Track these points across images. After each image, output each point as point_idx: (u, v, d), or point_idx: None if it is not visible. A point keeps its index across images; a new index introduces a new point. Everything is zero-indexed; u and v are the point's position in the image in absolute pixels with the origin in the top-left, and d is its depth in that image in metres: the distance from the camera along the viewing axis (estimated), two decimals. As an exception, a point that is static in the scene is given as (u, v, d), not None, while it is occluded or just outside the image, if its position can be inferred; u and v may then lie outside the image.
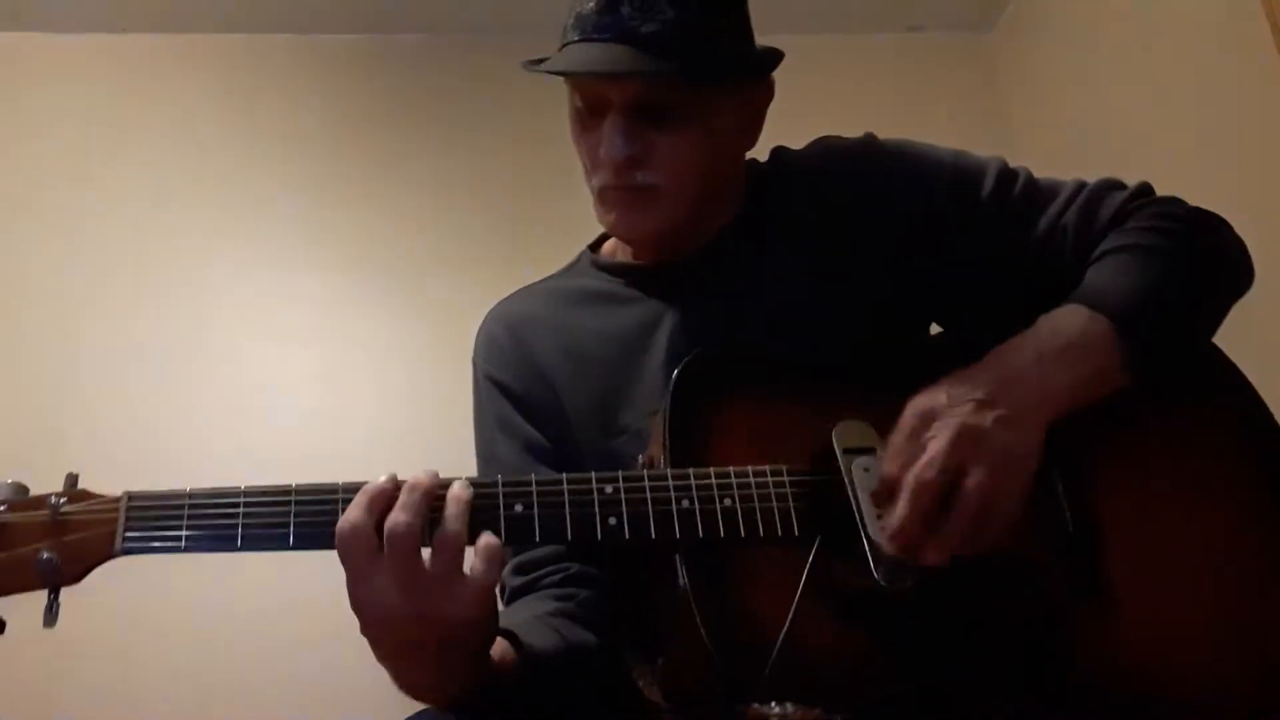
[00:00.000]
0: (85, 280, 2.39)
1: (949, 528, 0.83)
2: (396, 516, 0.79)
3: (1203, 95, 2.08)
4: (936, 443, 0.84)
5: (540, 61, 1.07)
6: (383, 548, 0.79)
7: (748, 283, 1.11)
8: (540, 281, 1.25)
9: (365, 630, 0.82)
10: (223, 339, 2.39)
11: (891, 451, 0.87)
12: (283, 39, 2.64)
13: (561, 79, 1.08)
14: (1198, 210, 1.06)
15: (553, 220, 2.55)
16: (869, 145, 1.15)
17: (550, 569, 1.08)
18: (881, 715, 0.82)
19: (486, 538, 0.81)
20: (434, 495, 0.82)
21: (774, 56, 1.12)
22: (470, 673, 0.86)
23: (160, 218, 2.47)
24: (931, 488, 0.83)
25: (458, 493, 0.82)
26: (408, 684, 0.86)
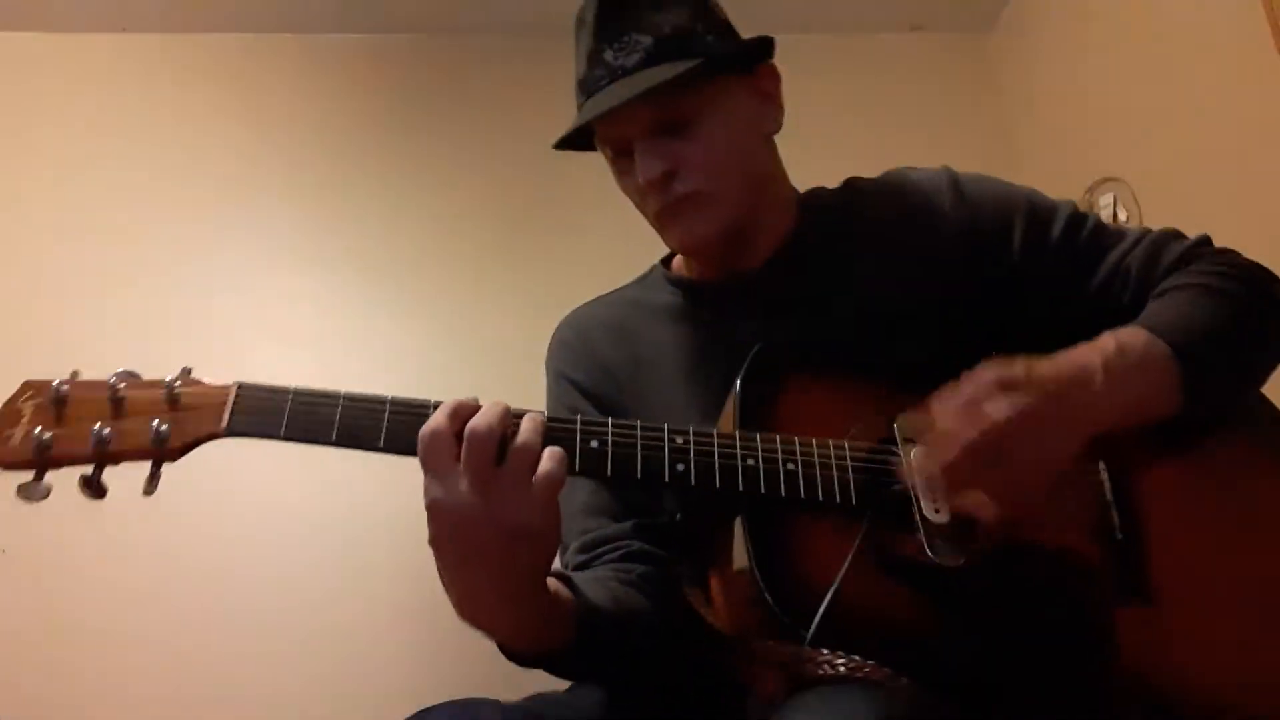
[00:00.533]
0: (85, 279, 2.39)
1: (977, 491, 0.88)
2: (478, 420, 0.84)
3: (1203, 95, 2.08)
4: (1002, 414, 0.87)
5: (555, 144, 1.16)
6: (460, 456, 0.83)
7: (810, 302, 1.15)
8: (613, 291, 1.32)
9: (434, 538, 0.86)
10: (222, 339, 2.39)
11: (954, 403, 0.90)
12: (283, 39, 2.64)
13: (602, 152, 1.17)
14: (1256, 264, 1.11)
15: (553, 220, 2.56)
16: (946, 179, 1.19)
17: (611, 546, 1.13)
18: (918, 680, 0.85)
19: (554, 448, 0.86)
20: (511, 416, 0.87)
21: (764, 44, 1.17)
22: (529, 595, 0.89)
23: (160, 217, 2.47)
24: (977, 453, 0.87)
25: (533, 415, 0.88)
26: (469, 599, 0.88)
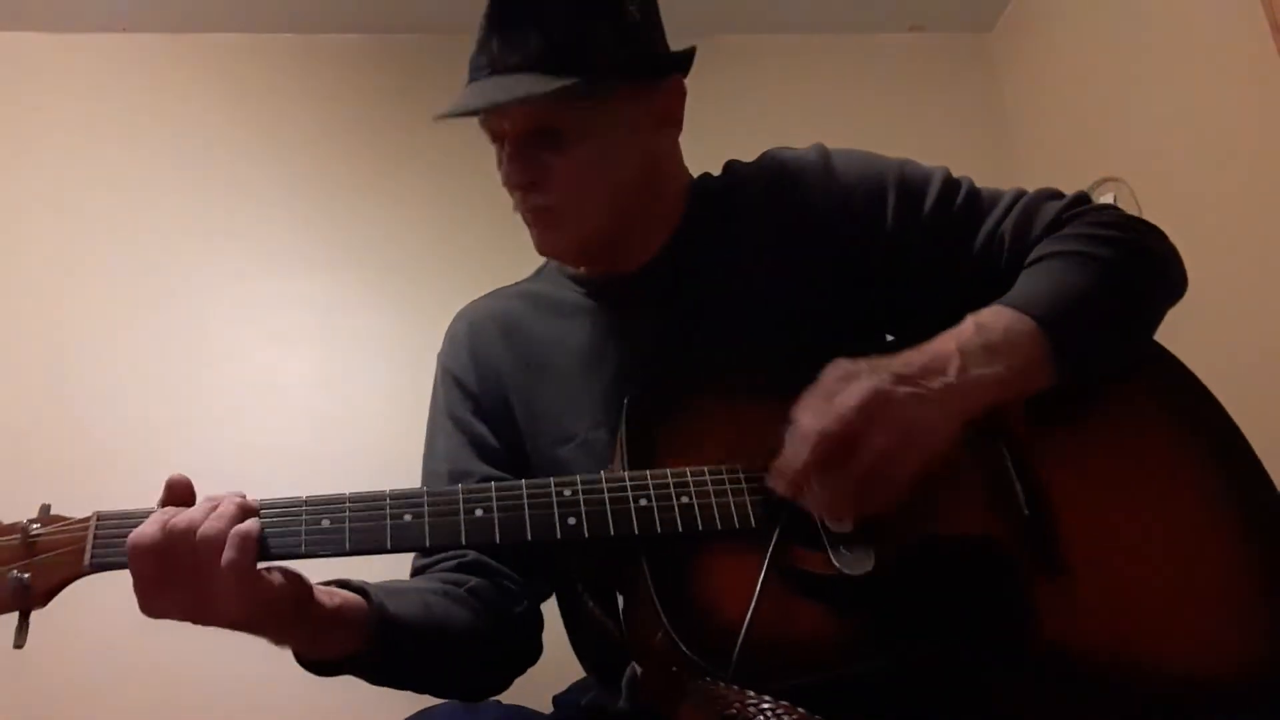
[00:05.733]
0: (84, 279, 2.39)
1: (836, 480, 0.86)
2: (174, 524, 0.84)
3: (1203, 95, 2.08)
4: (846, 399, 0.86)
5: (435, 117, 1.11)
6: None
7: (698, 295, 1.13)
8: (511, 285, 1.29)
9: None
10: (222, 339, 2.39)
11: (804, 403, 0.89)
12: (283, 39, 2.64)
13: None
14: (1130, 218, 1.09)
15: (553, 220, 2.55)
16: (817, 159, 1.16)
17: (448, 555, 1.12)
18: (847, 698, 0.83)
19: (240, 529, 0.85)
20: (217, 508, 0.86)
21: (674, 58, 1.13)
22: (302, 634, 0.93)
23: (159, 217, 2.47)
24: (831, 439, 0.85)
25: (230, 502, 0.87)
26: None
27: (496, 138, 1.11)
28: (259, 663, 2.08)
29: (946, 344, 0.93)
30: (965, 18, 2.82)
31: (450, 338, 1.26)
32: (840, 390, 0.88)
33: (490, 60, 1.05)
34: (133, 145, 2.52)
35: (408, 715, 1.01)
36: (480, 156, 2.79)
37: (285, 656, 2.16)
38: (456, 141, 2.59)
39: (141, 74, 2.58)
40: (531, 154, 1.08)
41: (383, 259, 2.50)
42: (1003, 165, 2.68)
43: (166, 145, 2.53)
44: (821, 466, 0.86)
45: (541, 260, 1.28)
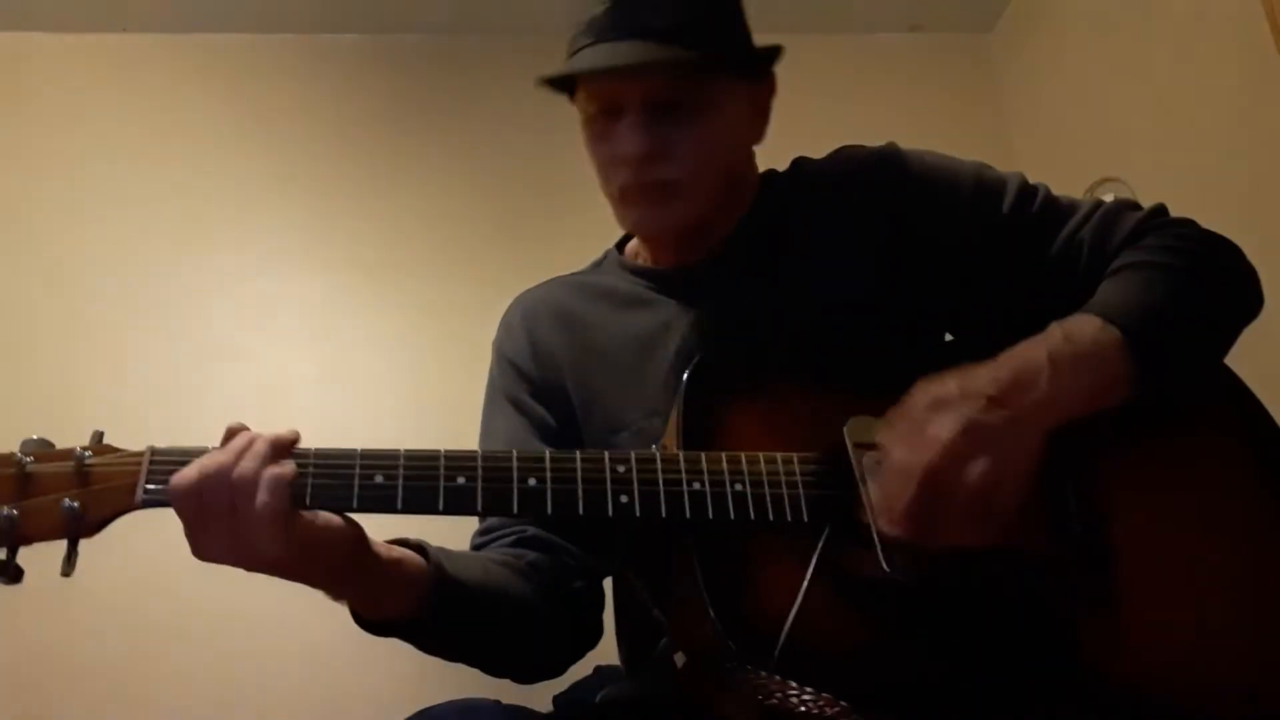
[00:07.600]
0: (85, 279, 2.39)
1: (950, 515, 0.84)
2: (206, 466, 0.83)
3: (1203, 95, 2.08)
4: (947, 432, 0.85)
5: (555, 75, 1.08)
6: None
7: (763, 289, 1.12)
8: (568, 275, 1.28)
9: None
10: (224, 339, 2.39)
11: (898, 434, 0.88)
12: (284, 39, 2.65)
13: (581, 105, 1.10)
14: (1211, 234, 1.07)
15: (554, 219, 2.56)
16: (891, 155, 1.15)
17: (507, 530, 1.10)
18: (885, 705, 0.83)
19: (272, 471, 0.83)
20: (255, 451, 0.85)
21: (775, 50, 1.14)
22: (339, 582, 0.90)
23: (160, 217, 2.47)
24: (941, 475, 0.84)
25: (265, 440, 0.86)
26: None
27: (605, 108, 1.08)
28: (262, 663, 2.09)
29: (1037, 352, 0.91)
30: (965, 18, 2.82)
31: (506, 325, 1.25)
32: (932, 420, 0.86)
33: (630, 20, 1.03)
34: (133, 145, 2.52)
35: (408, 716, 1.01)
36: (481, 157, 2.79)
37: (289, 650, 2.17)
38: (458, 141, 2.60)
39: (141, 74, 2.58)
40: (657, 124, 1.06)
41: (384, 258, 2.50)
42: (1002, 165, 2.66)
43: (167, 145, 2.53)
44: (931, 503, 0.85)
45: (600, 252, 1.28)
